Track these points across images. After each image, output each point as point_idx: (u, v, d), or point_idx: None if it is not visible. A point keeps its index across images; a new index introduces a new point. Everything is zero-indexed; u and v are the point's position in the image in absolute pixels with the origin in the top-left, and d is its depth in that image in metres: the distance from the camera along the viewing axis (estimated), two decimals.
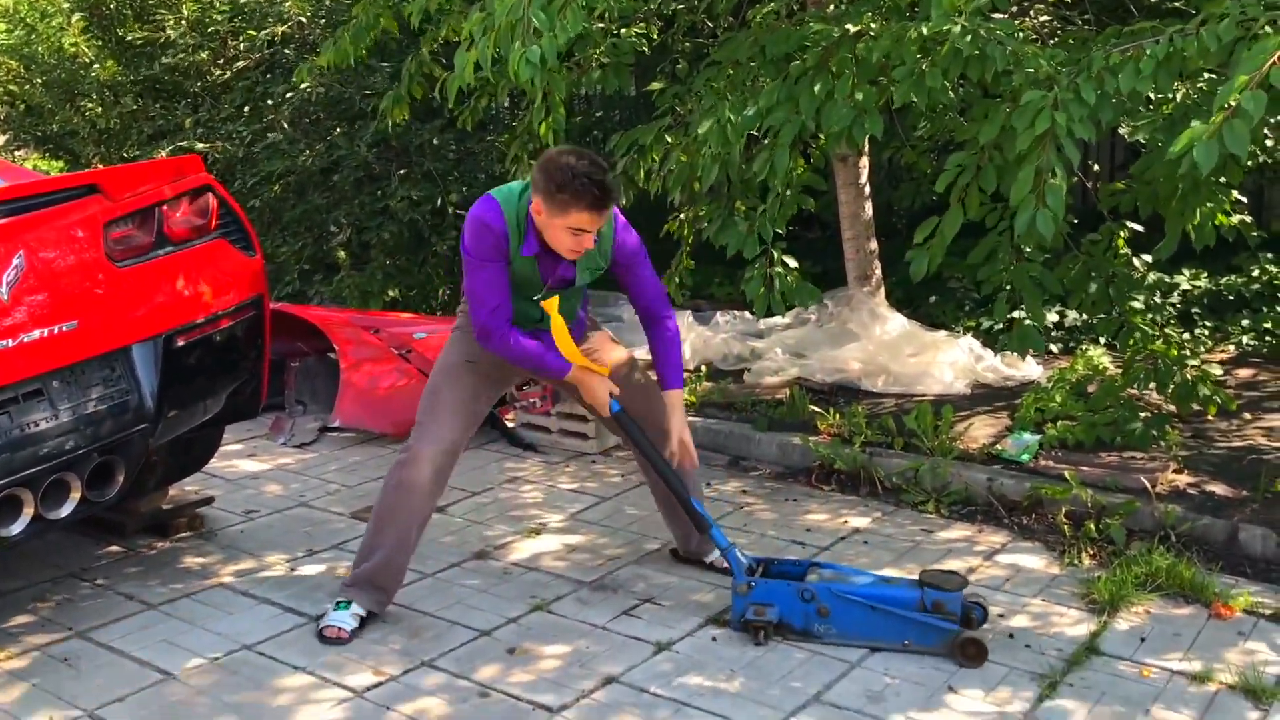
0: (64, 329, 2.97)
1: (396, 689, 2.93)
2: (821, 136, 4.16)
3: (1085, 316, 5.93)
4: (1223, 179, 4.06)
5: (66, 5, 7.59)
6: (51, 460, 2.97)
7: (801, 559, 3.48)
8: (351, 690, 2.92)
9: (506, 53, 3.40)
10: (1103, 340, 5.81)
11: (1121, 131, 4.70)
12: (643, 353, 6.17)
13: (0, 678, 2.99)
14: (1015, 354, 4.20)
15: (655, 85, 5.41)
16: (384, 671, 3.01)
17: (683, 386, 3.39)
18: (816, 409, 4.91)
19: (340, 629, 3.19)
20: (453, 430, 3.23)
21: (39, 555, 3.75)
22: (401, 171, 6.71)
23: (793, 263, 4.36)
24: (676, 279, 5.40)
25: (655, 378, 3.43)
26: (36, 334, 2.91)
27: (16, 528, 2.97)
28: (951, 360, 5.45)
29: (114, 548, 3.88)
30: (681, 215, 5.51)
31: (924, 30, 3.50)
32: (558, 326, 3.22)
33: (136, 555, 3.83)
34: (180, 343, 3.26)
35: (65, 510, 3.09)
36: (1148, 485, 3.97)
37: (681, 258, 5.41)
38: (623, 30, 5.10)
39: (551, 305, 3.20)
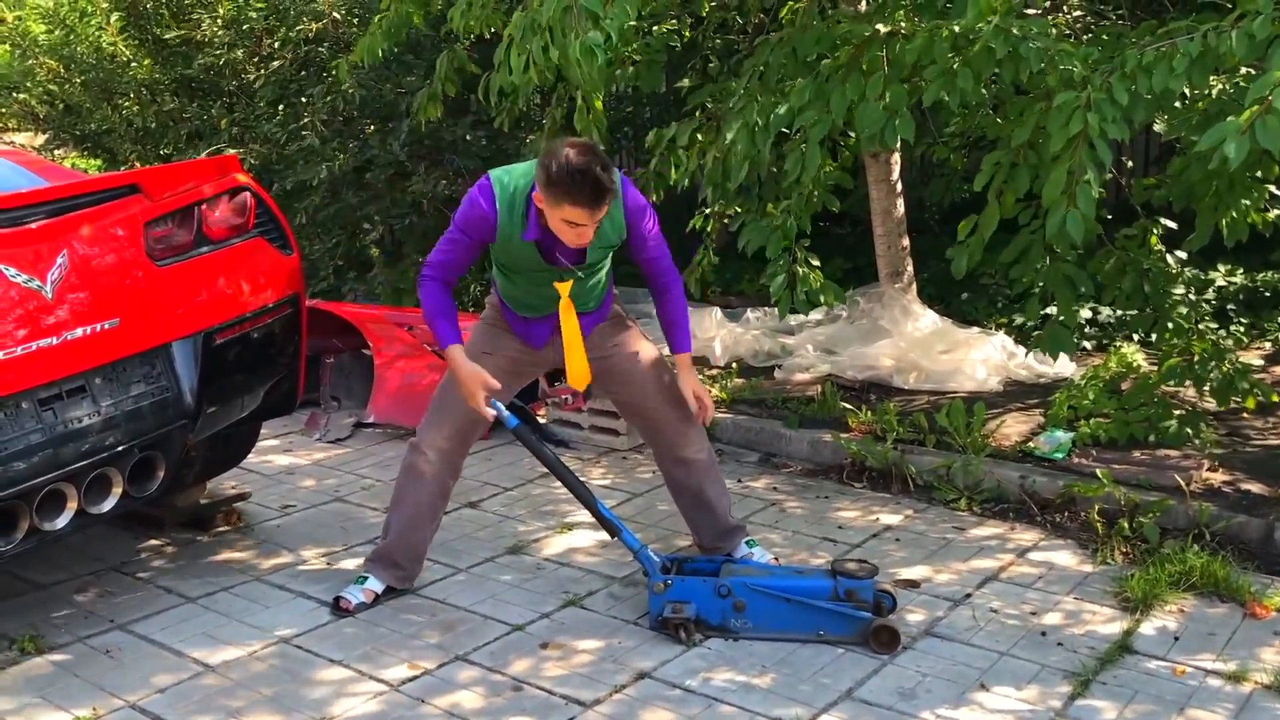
0: (106, 327, 3.02)
1: (431, 682, 2.97)
2: (851, 134, 4.16)
3: (1119, 313, 5.89)
4: (1258, 174, 4.03)
5: (105, 5, 7.68)
6: (94, 456, 3.03)
7: (715, 556, 3.51)
8: (387, 684, 2.96)
9: (563, 49, 3.40)
10: (1136, 337, 5.78)
11: (1157, 128, 4.67)
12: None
13: (44, 669, 3.06)
14: (1049, 354, 4.16)
15: (685, 82, 5.41)
16: (419, 665, 3.05)
17: (689, 349, 3.40)
18: (848, 406, 4.92)
19: (348, 601, 3.37)
20: (458, 421, 3.31)
21: (81, 549, 3.82)
22: (435, 173, 6.75)
23: (816, 262, 4.35)
24: (698, 274, 5.39)
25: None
26: (80, 331, 2.96)
27: (61, 522, 3.03)
28: (984, 357, 5.43)
29: (153, 542, 3.94)
30: (707, 211, 5.51)
31: (956, 28, 3.50)
32: (565, 310, 3.26)
33: (175, 549, 3.89)
34: (219, 340, 3.31)
35: (107, 505, 3.15)
36: (1182, 483, 3.95)
37: (705, 254, 5.40)
38: (654, 28, 5.11)
39: (564, 289, 3.24)
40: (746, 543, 3.65)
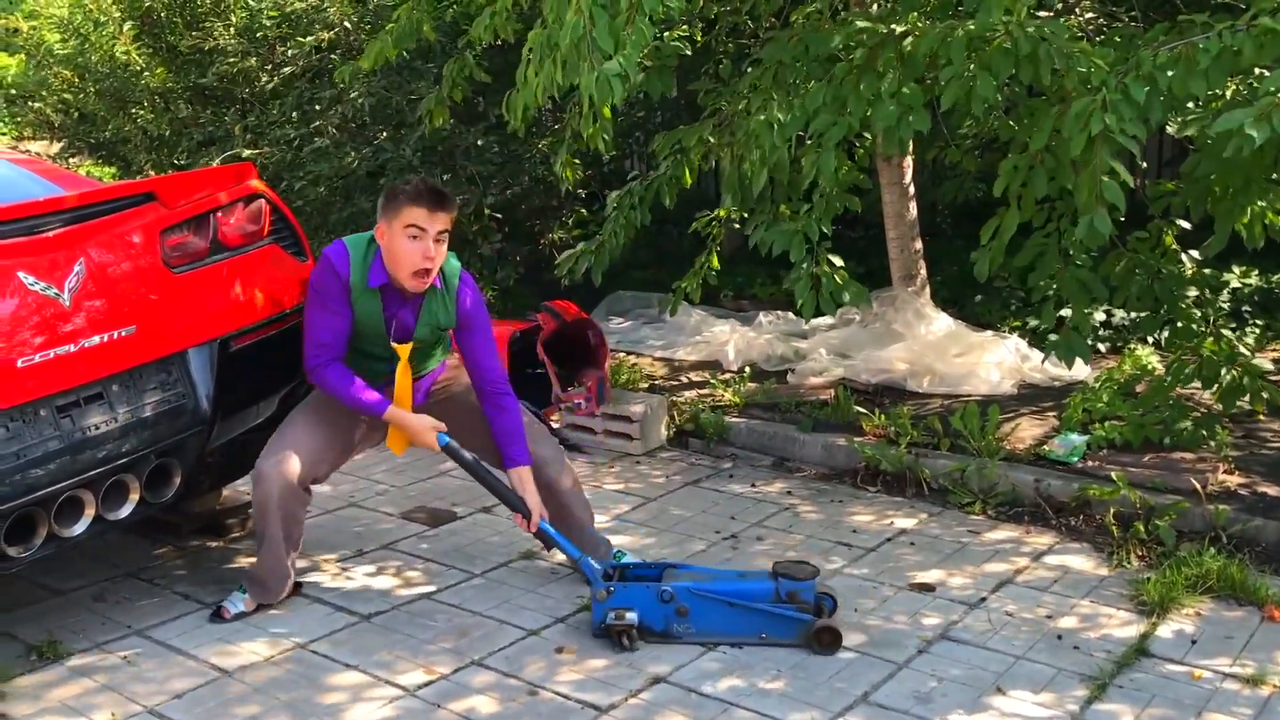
0: (123, 334, 3.04)
1: (447, 687, 2.97)
2: (867, 136, 4.15)
3: (1133, 315, 5.87)
4: (1274, 175, 4.01)
5: (118, 14, 7.72)
6: (111, 462, 3.04)
7: (657, 561, 3.52)
8: (403, 688, 2.97)
9: (575, 74, 3.43)
10: (1150, 339, 5.75)
11: (1170, 130, 4.65)
12: (683, 353, 6.22)
13: (63, 674, 3.07)
14: (1065, 361, 4.13)
15: (697, 86, 5.41)
16: (435, 670, 3.06)
17: (529, 461, 3.41)
18: (861, 410, 4.91)
19: (226, 609, 3.40)
20: (292, 456, 3.31)
21: (99, 555, 3.84)
22: (446, 176, 6.77)
23: (839, 261, 4.34)
24: (700, 278, 5.36)
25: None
26: (97, 339, 2.98)
27: (79, 528, 3.04)
28: (998, 360, 5.42)
29: (169, 548, 3.95)
30: (717, 212, 5.50)
31: (970, 28, 3.49)
32: (402, 373, 3.37)
33: (191, 555, 3.91)
34: (235, 347, 3.32)
35: (124, 511, 3.15)
36: (1197, 486, 3.93)
37: (709, 255, 5.39)
38: (665, 34, 5.11)
39: (404, 350, 3.34)
40: (614, 554, 3.63)
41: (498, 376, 3.42)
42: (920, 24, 3.85)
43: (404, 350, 3.36)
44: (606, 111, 4.52)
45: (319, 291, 3.29)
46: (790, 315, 6.35)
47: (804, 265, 4.19)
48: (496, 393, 3.41)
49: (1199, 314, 4.48)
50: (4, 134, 11.23)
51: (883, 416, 4.77)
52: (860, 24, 3.98)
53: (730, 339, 6.12)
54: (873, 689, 2.92)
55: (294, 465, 3.31)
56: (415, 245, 3.17)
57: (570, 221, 7.37)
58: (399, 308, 3.32)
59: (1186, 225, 4.51)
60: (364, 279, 3.26)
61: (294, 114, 7.17)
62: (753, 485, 4.54)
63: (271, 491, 3.29)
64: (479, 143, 6.84)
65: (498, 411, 3.41)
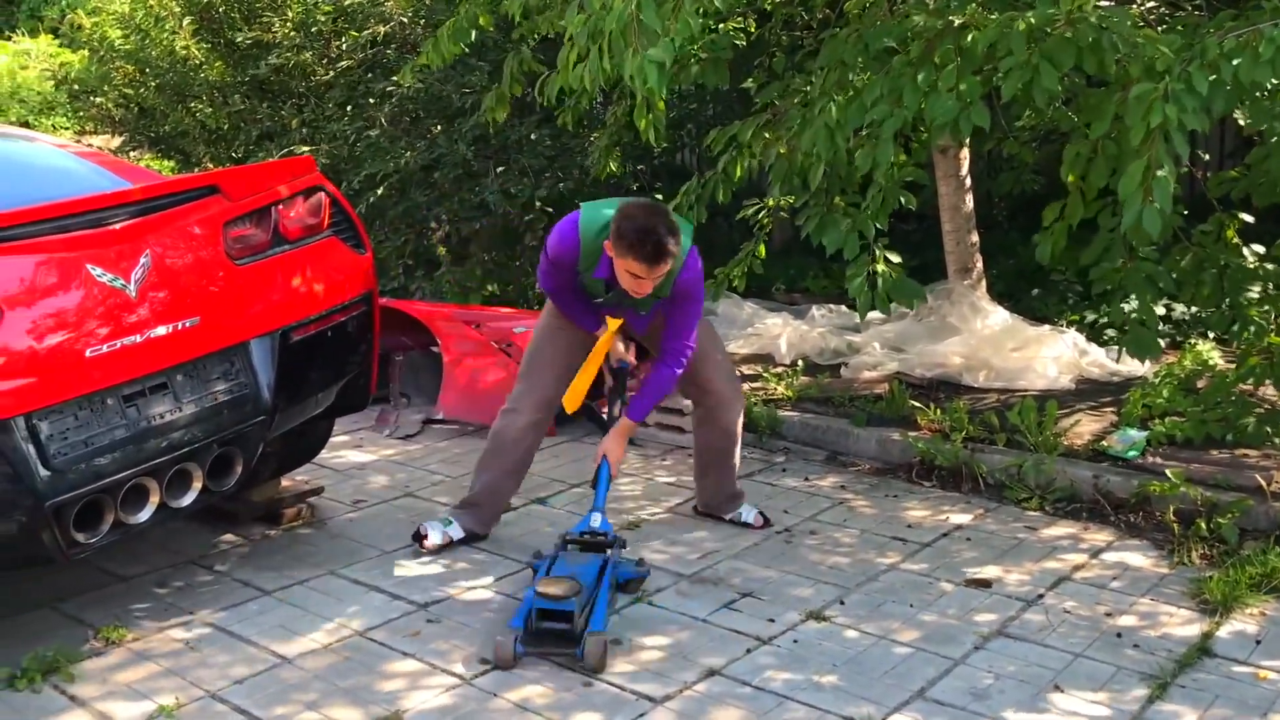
0: (187, 325, 3.09)
1: (503, 676, 2.99)
2: (923, 129, 4.11)
3: (1194, 310, 5.77)
4: None
5: (178, 9, 7.84)
6: (175, 451, 3.09)
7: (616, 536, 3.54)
8: (459, 677, 3.00)
9: (621, 61, 3.42)
10: (1212, 334, 5.66)
11: (1236, 116, 4.55)
12: (734, 346, 6.20)
13: (128, 658, 3.13)
14: (1135, 357, 4.05)
15: (750, 81, 5.38)
16: (491, 659, 3.08)
17: (639, 421, 3.69)
18: (916, 404, 4.87)
19: (426, 530, 3.81)
20: (547, 385, 3.72)
21: (160, 543, 3.90)
22: (500, 169, 6.81)
23: (896, 259, 4.31)
24: (745, 267, 5.34)
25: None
26: (162, 330, 3.03)
27: (144, 515, 3.10)
28: (1055, 355, 5.35)
29: (229, 536, 4.01)
30: (767, 202, 5.46)
31: (1031, 20, 3.45)
32: (605, 340, 3.66)
33: (251, 543, 3.97)
34: (295, 338, 3.37)
35: (188, 499, 3.21)
36: (1262, 483, 3.86)
37: (756, 244, 5.36)
38: (720, 25, 5.09)
39: (614, 324, 3.65)
40: (737, 513, 4.01)
41: (674, 346, 3.60)
42: (978, 14, 3.81)
43: (614, 324, 3.64)
44: (660, 104, 4.51)
45: (551, 256, 3.57)
46: (843, 309, 6.31)
47: (860, 263, 4.15)
48: (663, 357, 3.63)
49: (1266, 309, 4.39)
50: (67, 128, 11.46)
51: (938, 411, 4.73)
52: (916, 18, 3.94)
53: (783, 332, 6.10)
54: (929, 684, 2.90)
55: (546, 401, 3.72)
56: (635, 283, 3.36)
57: None
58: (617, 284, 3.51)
59: (1249, 219, 4.42)
60: (590, 266, 3.51)
61: (348, 108, 7.24)
62: (806, 479, 4.53)
63: (520, 424, 3.71)
64: (532, 135, 6.86)
65: (655, 368, 3.66)
